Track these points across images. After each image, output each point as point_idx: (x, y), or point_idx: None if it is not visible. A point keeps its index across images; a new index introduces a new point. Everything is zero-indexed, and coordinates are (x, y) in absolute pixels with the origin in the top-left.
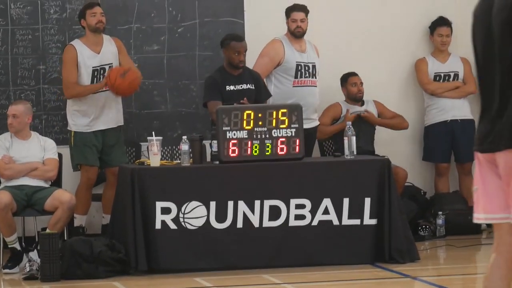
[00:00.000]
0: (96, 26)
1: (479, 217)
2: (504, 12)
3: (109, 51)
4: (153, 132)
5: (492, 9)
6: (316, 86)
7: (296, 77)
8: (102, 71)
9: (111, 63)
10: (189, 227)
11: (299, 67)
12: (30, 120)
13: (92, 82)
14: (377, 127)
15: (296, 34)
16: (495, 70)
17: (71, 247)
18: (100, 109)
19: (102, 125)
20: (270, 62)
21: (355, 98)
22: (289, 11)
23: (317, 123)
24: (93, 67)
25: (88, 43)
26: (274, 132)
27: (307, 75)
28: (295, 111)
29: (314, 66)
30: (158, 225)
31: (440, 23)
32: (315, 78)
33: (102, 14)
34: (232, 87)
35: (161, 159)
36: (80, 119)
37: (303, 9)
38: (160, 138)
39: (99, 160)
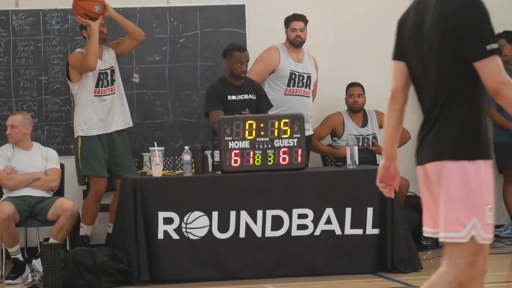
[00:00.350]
0: None
1: (427, 231)
2: (440, 26)
3: (110, 57)
4: (155, 143)
5: (424, 22)
6: (309, 97)
7: (288, 85)
8: (105, 75)
9: (113, 66)
10: (191, 237)
11: (293, 75)
12: (29, 130)
13: (97, 85)
14: (379, 136)
15: (296, 43)
16: (429, 84)
17: (73, 257)
18: (106, 113)
19: (109, 128)
20: (264, 69)
21: (352, 109)
22: (289, 20)
23: (310, 132)
24: (99, 70)
25: None
26: (276, 142)
27: (300, 84)
28: (297, 121)
29: (309, 77)
30: (160, 235)
31: None
32: (309, 88)
33: (103, 25)
34: (233, 97)
35: (163, 169)
36: (88, 122)
37: (303, 18)
38: (162, 148)
39: (107, 171)
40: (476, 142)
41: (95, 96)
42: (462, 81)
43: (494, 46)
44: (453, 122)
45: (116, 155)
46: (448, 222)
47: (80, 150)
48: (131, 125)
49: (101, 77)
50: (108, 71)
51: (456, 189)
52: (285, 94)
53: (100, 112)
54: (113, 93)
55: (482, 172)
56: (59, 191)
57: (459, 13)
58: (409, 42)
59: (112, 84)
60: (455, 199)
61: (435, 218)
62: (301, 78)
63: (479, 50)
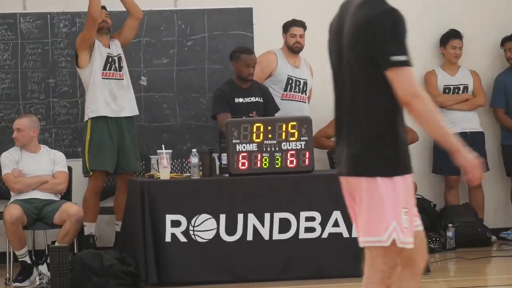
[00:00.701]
0: (100, 25)
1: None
2: (354, 35)
3: (116, 46)
4: (163, 145)
5: (343, 30)
6: (305, 102)
7: (285, 90)
8: (113, 61)
9: (120, 54)
10: (199, 240)
11: (290, 80)
12: (36, 134)
13: (105, 67)
14: None
15: (295, 49)
16: (344, 93)
17: (81, 260)
18: (114, 96)
19: (118, 113)
20: (261, 72)
21: None
22: (288, 26)
23: None
24: (107, 53)
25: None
26: (284, 145)
27: (297, 90)
28: (304, 124)
29: (305, 83)
30: (168, 238)
31: (454, 36)
32: (305, 94)
33: (107, 15)
34: (241, 100)
35: (170, 172)
36: (97, 103)
37: (302, 24)
38: (170, 151)
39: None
40: (394, 157)
41: (103, 78)
42: (376, 93)
43: (402, 58)
44: (370, 136)
45: (124, 147)
46: (369, 226)
47: (88, 141)
48: (137, 113)
49: (109, 60)
50: (116, 58)
51: (375, 197)
52: (281, 99)
53: (107, 94)
54: (122, 79)
55: (401, 183)
56: (67, 194)
57: (372, 22)
58: (331, 49)
59: (120, 70)
60: (375, 205)
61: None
62: (298, 84)
63: (388, 60)
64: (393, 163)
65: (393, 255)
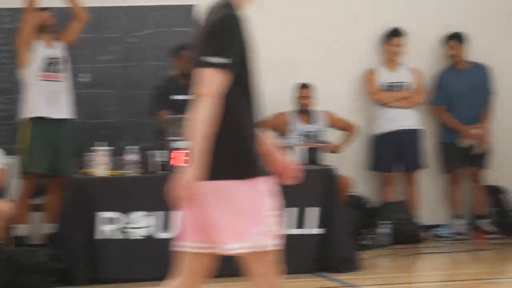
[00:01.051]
0: (42, 24)
1: (196, 246)
2: (200, 45)
3: (61, 48)
4: (101, 142)
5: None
6: None
7: None
8: (54, 63)
9: (63, 57)
10: (134, 237)
11: None
12: None
13: (44, 69)
14: (329, 135)
15: None
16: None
17: (14, 257)
18: (52, 98)
19: (55, 114)
20: None
21: (300, 110)
22: None
23: None
24: (49, 56)
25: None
26: None
27: None
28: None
29: None
30: (103, 235)
31: (394, 34)
32: None
33: (48, 15)
34: (180, 97)
35: (109, 169)
36: (35, 103)
37: None
38: (108, 147)
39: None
40: (246, 160)
41: (41, 80)
42: (221, 100)
43: (216, 60)
44: (220, 141)
45: (60, 150)
46: (232, 233)
47: (25, 143)
48: (74, 117)
49: (49, 63)
50: (59, 60)
51: (232, 202)
52: None
53: (45, 95)
54: (61, 81)
55: (259, 186)
56: (2, 191)
57: (211, 26)
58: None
59: (61, 72)
60: (233, 210)
61: (205, 232)
62: None
63: (200, 59)
64: (246, 166)
65: (268, 257)
